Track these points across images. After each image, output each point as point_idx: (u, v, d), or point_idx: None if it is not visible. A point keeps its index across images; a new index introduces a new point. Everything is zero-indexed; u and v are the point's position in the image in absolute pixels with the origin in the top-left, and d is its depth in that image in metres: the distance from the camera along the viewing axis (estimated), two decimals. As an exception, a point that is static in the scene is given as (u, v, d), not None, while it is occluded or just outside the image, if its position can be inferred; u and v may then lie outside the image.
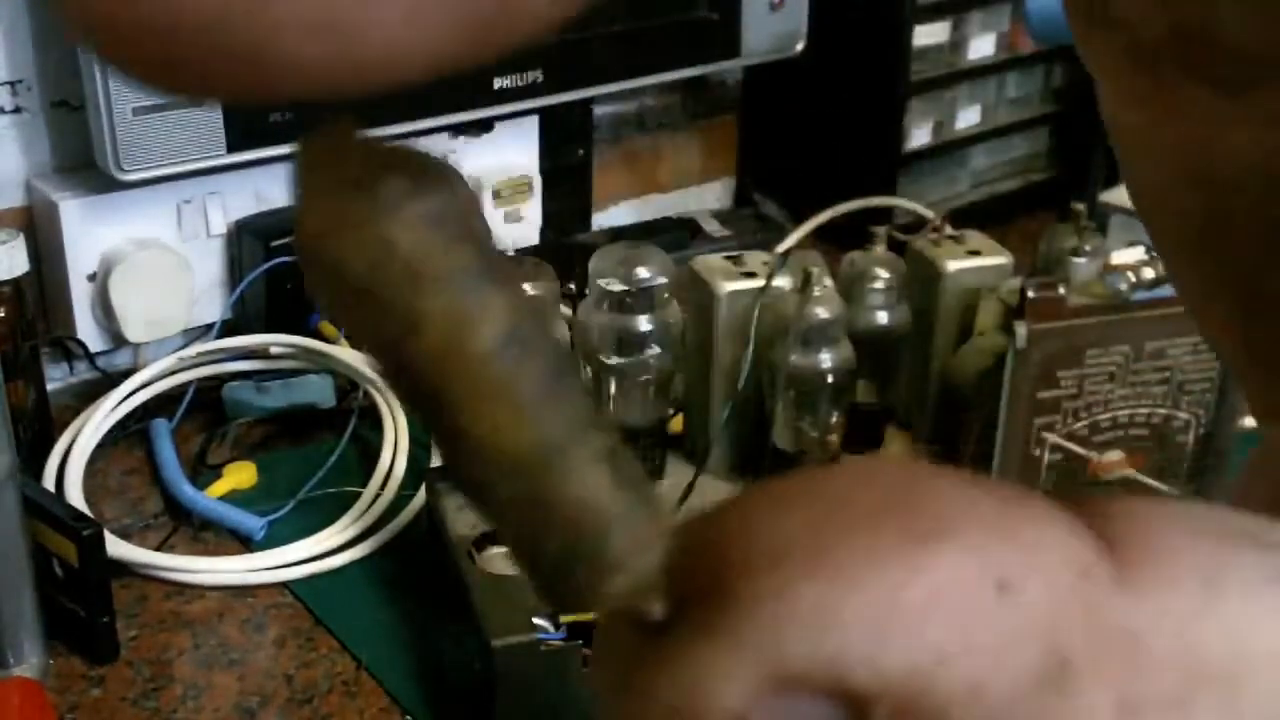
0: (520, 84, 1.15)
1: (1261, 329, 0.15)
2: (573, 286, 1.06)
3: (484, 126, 1.20)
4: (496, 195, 1.21)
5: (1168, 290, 0.86)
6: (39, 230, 1.04)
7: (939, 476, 0.12)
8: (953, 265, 0.94)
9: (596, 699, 0.13)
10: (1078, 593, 0.12)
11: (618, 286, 0.84)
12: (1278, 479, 0.15)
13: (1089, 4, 0.16)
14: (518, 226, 1.24)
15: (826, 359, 0.86)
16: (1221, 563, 0.12)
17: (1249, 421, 0.93)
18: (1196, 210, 0.15)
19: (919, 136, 1.38)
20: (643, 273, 0.86)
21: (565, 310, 0.94)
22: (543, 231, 1.26)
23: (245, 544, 0.92)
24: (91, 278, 1.04)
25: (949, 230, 0.99)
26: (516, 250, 1.17)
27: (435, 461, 0.98)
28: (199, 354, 1.04)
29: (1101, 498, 0.13)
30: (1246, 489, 0.15)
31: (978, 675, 0.11)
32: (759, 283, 0.88)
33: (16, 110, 1.02)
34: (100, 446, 0.98)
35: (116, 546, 0.87)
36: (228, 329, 1.09)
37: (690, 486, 0.84)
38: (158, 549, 0.91)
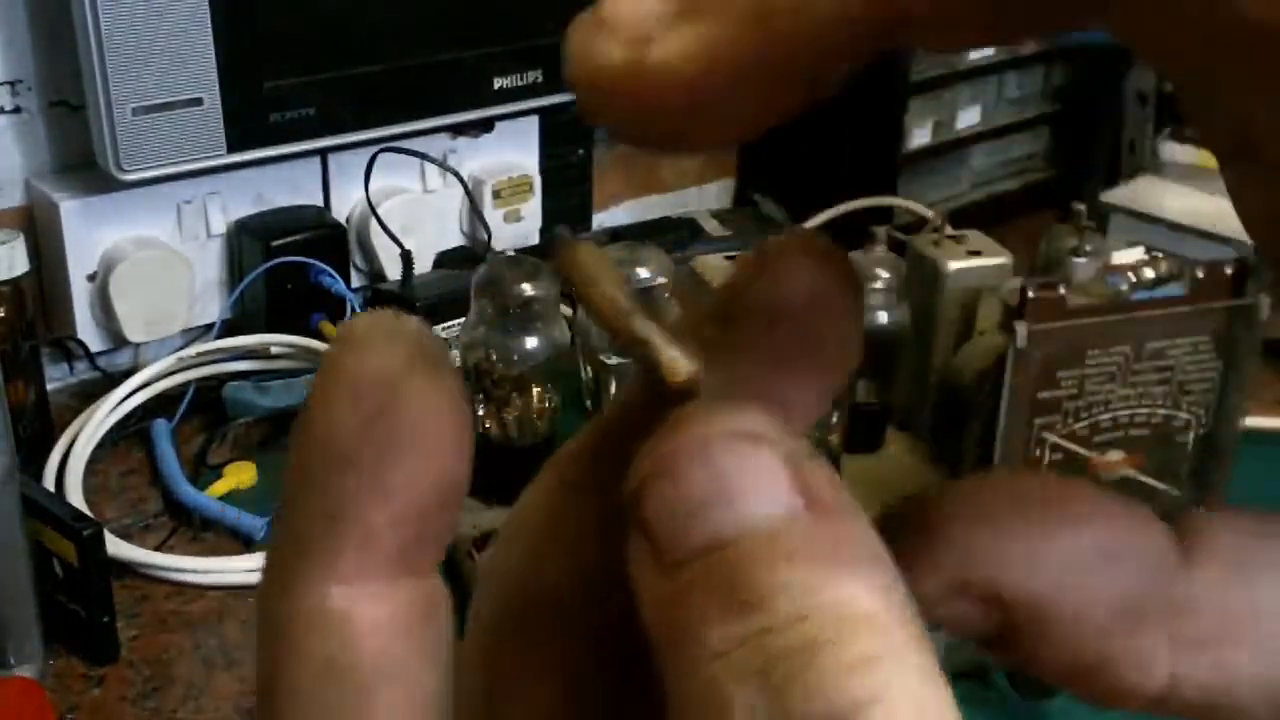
0: (520, 84, 1.15)
1: None
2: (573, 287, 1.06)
3: (484, 126, 1.20)
4: (496, 195, 1.21)
5: (1168, 290, 0.86)
6: (39, 230, 1.04)
7: (1080, 485, 0.19)
8: (953, 265, 0.94)
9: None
10: (1155, 565, 0.18)
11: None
12: None
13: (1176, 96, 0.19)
14: (518, 226, 1.24)
15: (826, 359, 0.86)
16: (1249, 547, 0.18)
17: (1249, 421, 0.93)
18: None
19: (919, 136, 1.38)
20: (643, 273, 0.86)
21: (565, 310, 0.94)
22: (543, 231, 1.26)
23: (245, 544, 0.92)
24: (91, 278, 1.04)
25: (949, 230, 0.99)
26: (516, 250, 1.17)
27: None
28: (199, 354, 1.04)
29: (1184, 515, 0.19)
30: None
31: (1081, 605, 0.18)
32: (759, 283, 0.88)
33: (16, 110, 1.02)
34: (100, 446, 0.98)
35: (116, 546, 0.87)
36: (228, 329, 1.09)
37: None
38: (158, 549, 0.91)
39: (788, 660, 0.14)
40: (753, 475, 0.15)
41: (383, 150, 1.12)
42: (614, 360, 0.85)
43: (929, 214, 1.13)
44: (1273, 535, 0.19)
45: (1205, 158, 1.21)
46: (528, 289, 0.82)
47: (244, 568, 0.89)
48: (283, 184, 1.13)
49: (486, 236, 1.19)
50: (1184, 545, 0.18)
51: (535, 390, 0.84)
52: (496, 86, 1.14)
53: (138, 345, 1.07)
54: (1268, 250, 0.19)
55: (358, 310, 1.06)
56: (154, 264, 1.04)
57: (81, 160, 1.03)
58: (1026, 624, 0.18)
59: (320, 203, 1.15)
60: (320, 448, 0.17)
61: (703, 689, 0.15)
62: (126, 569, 0.88)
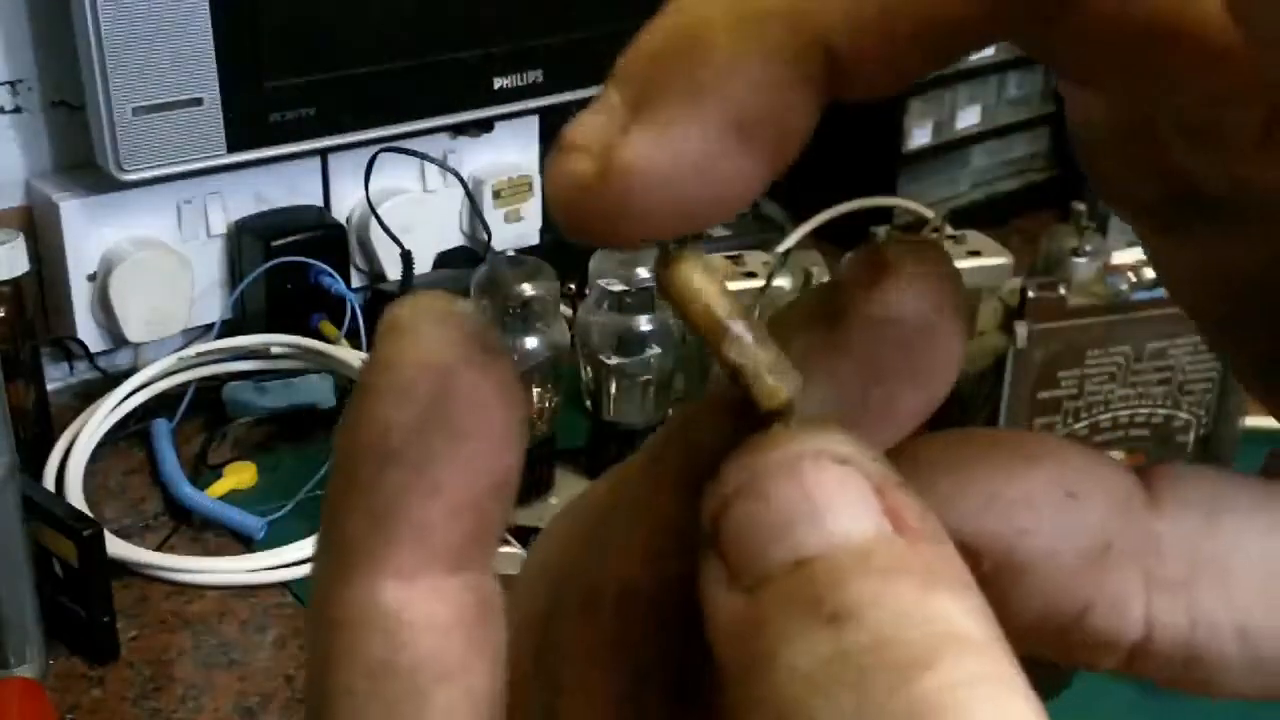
0: (520, 84, 1.15)
1: (1276, 376, 0.20)
2: (573, 286, 1.06)
3: (484, 126, 1.20)
4: (496, 195, 1.21)
5: (1168, 290, 0.86)
6: (39, 230, 1.04)
7: (1038, 435, 0.19)
8: (953, 265, 0.94)
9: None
10: (1120, 505, 0.18)
11: (618, 286, 0.84)
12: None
13: (1088, 161, 0.19)
14: (518, 226, 1.24)
15: (826, 359, 0.86)
16: (1217, 493, 0.18)
17: (1249, 421, 0.93)
18: (1214, 304, 0.19)
19: (919, 136, 1.38)
20: (643, 273, 0.86)
21: (565, 310, 0.94)
22: (543, 231, 1.26)
23: (245, 544, 0.92)
24: (91, 278, 1.04)
25: (949, 230, 0.99)
26: (516, 250, 1.17)
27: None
28: (199, 354, 1.04)
29: (1143, 466, 0.19)
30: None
31: (1049, 545, 0.17)
32: (759, 283, 0.88)
33: (16, 110, 1.02)
34: (100, 446, 0.98)
35: (116, 546, 0.87)
36: (228, 329, 1.09)
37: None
38: (158, 549, 0.91)
39: (885, 676, 0.14)
40: (841, 495, 0.15)
41: (383, 150, 1.12)
42: (614, 360, 0.85)
43: (929, 214, 1.13)
44: (1239, 485, 0.18)
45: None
46: (528, 289, 0.82)
47: (244, 568, 0.89)
48: (283, 184, 1.13)
49: (486, 236, 1.19)
50: (1150, 489, 0.18)
51: (535, 390, 0.84)
52: (496, 86, 1.14)
53: (138, 345, 1.07)
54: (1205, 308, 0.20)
55: (358, 310, 1.06)
56: (154, 264, 1.04)
57: (81, 160, 1.03)
58: (996, 572, 0.17)
59: (320, 203, 1.15)
60: (369, 442, 0.17)
61: (783, 710, 0.14)
62: (126, 569, 0.88)
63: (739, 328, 0.18)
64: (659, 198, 0.16)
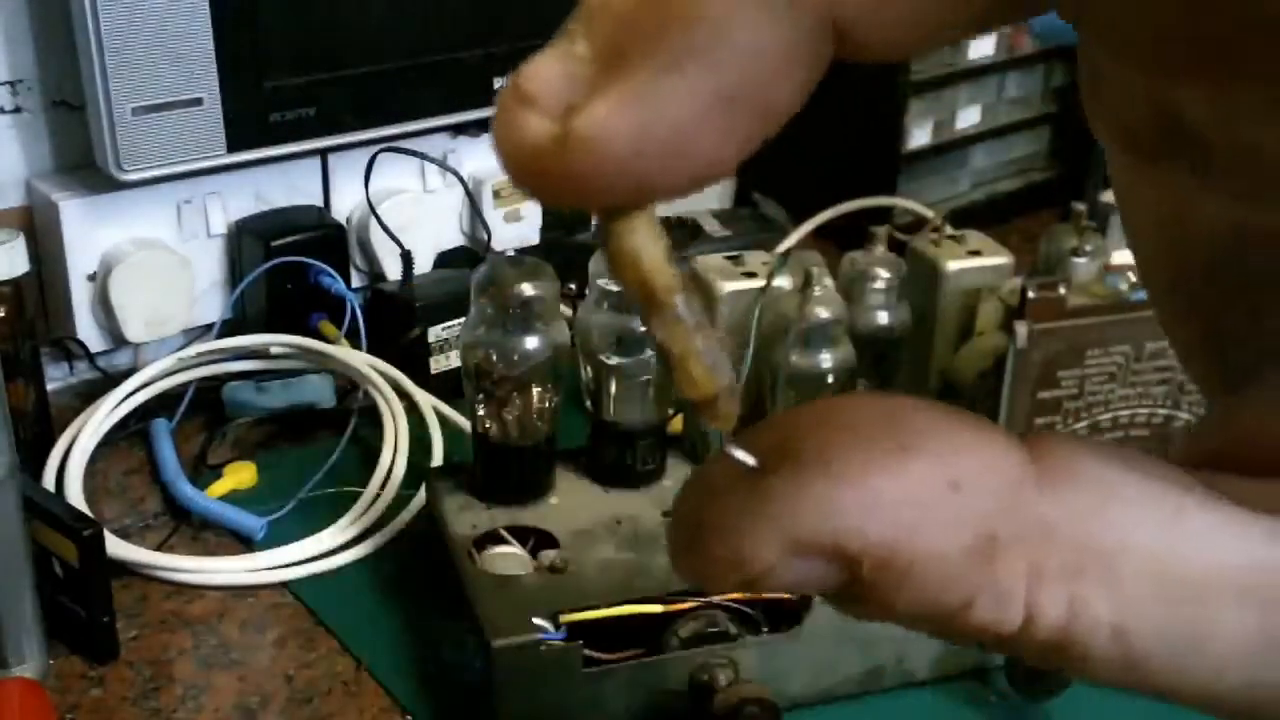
0: (520, 84, 1.15)
1: (1213, 349, 0.19)
2: (573, 286, 1.06)
3: (484, 126, 1.20)
4: (496, 195, 1.21)
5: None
6: (39, 230, 1.04)
7: (927, 407, 0.18)
8: (953, 265, 0.94)
9: (673, 520, 0.18)
10: (1008, 491, 0.17)
11: (618, 286, 0.84)
12: (1190, 451, 0.19)
13: (1089, 84, 0.18)
14: (518, 226, 1.24)
15: (826, 359, 0.86)
16: (1114, 478, 0.17)
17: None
18: (1169, 259, 0.19)
19: (919, 136, 1.38)
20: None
21: (565, 310, 0.94)
22: (543, 231, 1.26)
23: (245, 544, 0.92)
24: (91, 278, 1.04)
25: (949, 230, 0.99)
26: (516, 250, 1.17)
27: (435, 461, 0.98)
28: (199, 354, 1.04)
29: (1034, 434, 0.18)
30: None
31: (934, 545, 0.17)
32: (759, 283, 0.88)
33: (16, 110, 1.02)
34: (100, 446, 0.98)
35: (116, 546, 0.87)
36: (228, 329, 1.09)
37: (690, 486, 0.84)
38: (158, 549, 0.91)
39: None
40: None
41: (383, 150, 1.12)
42: (614, 360, 0.85)
43: (929, 214, 1.12)
44: (1135, 466, 0.17)
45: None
46: (528, 289, 0.82)
47: (244, 568, 0.89)
48: (282, 184, 1.13)
49: (486, 236, 1.19)
50: (1040, 466, 0.17)
51: (535, 390, 0.84)
52: (497, 86, 1.14)
53: (138, 345, 1.07)
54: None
55: (358, 310, 1.06)
56: (154, 264, 1.04)
57: (81, 160, 1.03)
58: (876, 573, 0.17)
59: (320, 203, 1.15)
60: None
61: None
62: (126, 569, 0.88)
63: (675, 303, 0.17)
64: (623, 171, 0.15)
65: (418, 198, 1.17)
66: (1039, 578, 0.17)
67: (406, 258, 1.12)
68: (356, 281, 1.16)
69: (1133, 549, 0.17)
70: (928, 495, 0.17)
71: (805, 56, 0.15)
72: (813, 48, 0.15)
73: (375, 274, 1.17)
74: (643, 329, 0.85)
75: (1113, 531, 0.17)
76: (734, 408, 0.18)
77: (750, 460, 0.18)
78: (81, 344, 1.06)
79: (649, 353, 0.85)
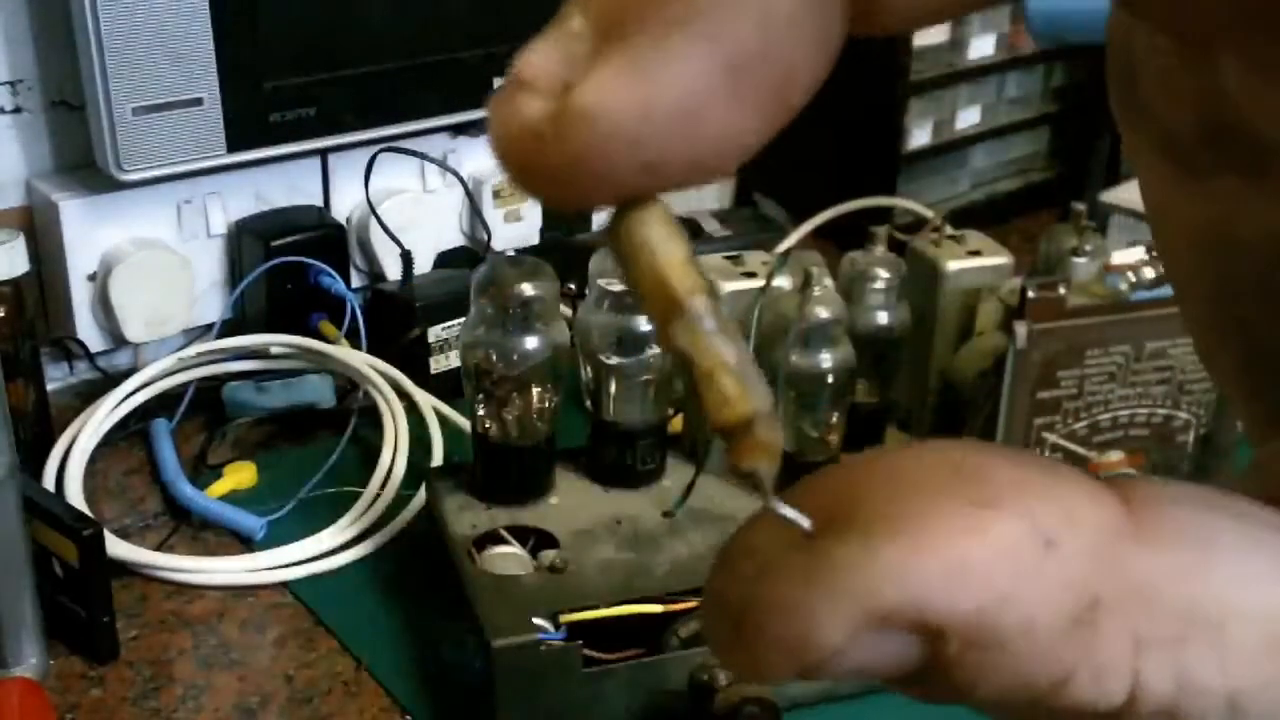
0: (520, 84, 1.15)
1: (1259, 375, 0.18)
2: (573, 286, 1.06)
3: (484, 127, 1.19)
4: (496, 195, 1.21)
5: (1168, 290, 0.86)
6: (39, 230, 1.04)
7: (996, 453, 0.15)
8: (953, 265, 0.94)
9: (709, 602, 0.16)
10: (1107, 548, 0.15)
11: (618, 286, 0.84)
12: (1266, 485, 0.17)
13: (1123, 85, 0.17)
14: (518, 226, 1.24)
15: (826, 359, 0.86)
16: (1213, 528, 0.15)
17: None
18: (1210, 273, 0.17)
19: (919, 136, 1.38)
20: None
21: (565, 310, 0.94)
22: (543, 231, 1.26)
23: (245, 544, 0.92)
24: (91, 278, 1.04)
25: (949, 230, 0.99)
26: (516, 250, 1.17)
27: (435, 461, 0.98)
28: (199, 354, 1.04)
29: (1119, 479, 0.16)
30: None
31: (1030, 612, 0.14)
32: (759, 283, 0.88)
33: (16, 110, 1.02)
34: (100, 446, 0.98)
35: (116, 546, 0.87)
36: (228, 329, 1.09)
37: (690, 486, 0.84)
38: (158, 549, 0.91)
39: None
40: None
41: (383, 150, 1.12)
42: (614, 360, 0.85)
43: (929, 214, 1.12)
44: (1229, 511, 0.15)
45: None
46: (528, 289, 0.82)
47: (244, 568, 0.89)
48: (282, 184, 1.13)
49: (486, 236, 1.19)
50: (1133, 515, 0.15)
51: (535, 390, 0.84)
52: (496, 86, 1.14)
53: (138, 345, 1.07)
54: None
55: (358, 310, 1.06)
56: (154, 264, 1.04)
57: (81, 160, 1.03)
58: (963, 650, 0.14)
59: (320, 203, 1.15)
60: None
61: None
62: (126, 569, 0.88)
63: (699, 306, 0.14)
64: (624, 153, 0.14)
65: (418, 198, 1.17)
66: (1144, 646, 0.15)
67: (406, 258, 1.12)
68: (356, 281, 1.16)
69: (1242, 607, 0.15)
70: (1020, 556, 0.14)
71: (819, 18, 0.14)
72: (826, 8, 0.14)
73: (375, 274, 1.17)
74: (645, 328, 0.85)
75: (1219, 589, 0.15)
76: (776, 437, 0.15)
77: (804, 522, 0.15)
78: (81, 344, 1.06)
79: (649, 353, 0.85)
